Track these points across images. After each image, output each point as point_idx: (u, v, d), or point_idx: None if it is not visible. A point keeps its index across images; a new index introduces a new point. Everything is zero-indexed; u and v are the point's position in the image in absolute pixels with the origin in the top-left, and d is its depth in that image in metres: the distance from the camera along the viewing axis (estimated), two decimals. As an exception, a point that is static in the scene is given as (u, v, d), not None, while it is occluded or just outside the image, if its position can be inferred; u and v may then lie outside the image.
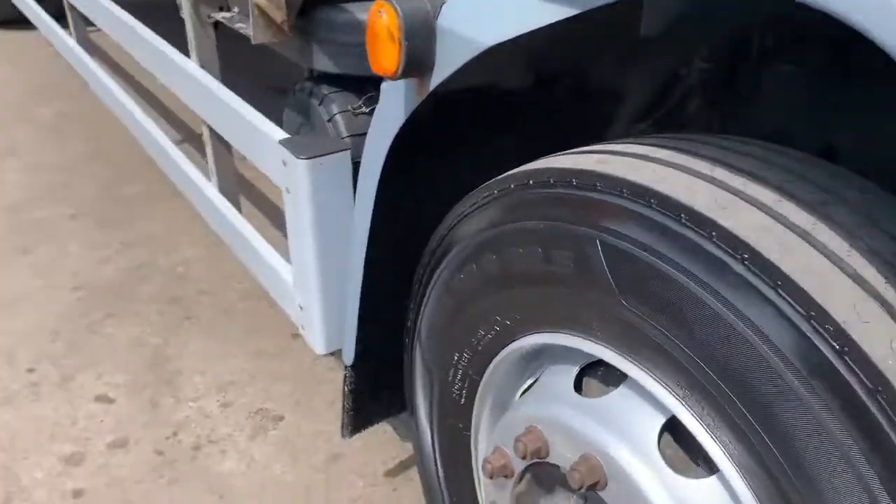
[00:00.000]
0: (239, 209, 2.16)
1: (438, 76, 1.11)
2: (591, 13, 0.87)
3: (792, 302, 0.72)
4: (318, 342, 1.68)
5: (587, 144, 1.08)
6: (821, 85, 1.25)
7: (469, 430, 1.33)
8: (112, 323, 2.56)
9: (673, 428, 0.91)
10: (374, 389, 1.68)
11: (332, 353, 1.69)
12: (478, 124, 1.32)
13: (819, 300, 0.71)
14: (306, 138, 1.59)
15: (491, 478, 1.17)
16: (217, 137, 1.99)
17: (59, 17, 3.76)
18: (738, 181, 0.84)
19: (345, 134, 1.60)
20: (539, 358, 1.19)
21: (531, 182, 1.06)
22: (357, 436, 1.69)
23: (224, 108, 1.77)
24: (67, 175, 3.55)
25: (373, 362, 1.63)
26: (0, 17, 5.25)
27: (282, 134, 1.57)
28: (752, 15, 1.26)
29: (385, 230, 1.43)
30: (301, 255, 1.62)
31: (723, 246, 0.77)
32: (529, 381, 1.22)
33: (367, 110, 1.59)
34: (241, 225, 2.02)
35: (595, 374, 1.06)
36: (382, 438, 2.10)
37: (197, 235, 3.00)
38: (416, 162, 1.33)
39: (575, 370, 1.08)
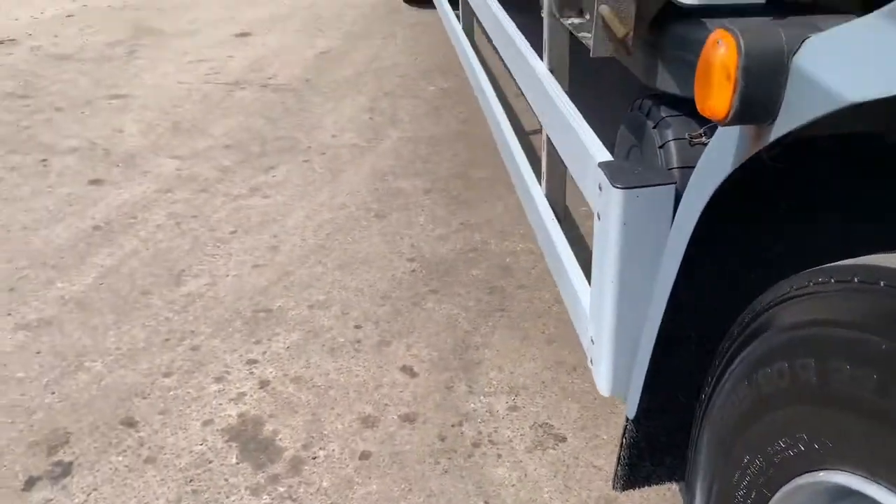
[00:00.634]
0: (560, 219, 2.10)
1: (783, 127, 0.89)
2: None
3: None
4: (602, 382, 1.55)
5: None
6: None
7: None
8: (434, 299, 2.70)
9: None
10: (654, 450, 1.50)
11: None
12: (825, 186, 1.07)
13: None
14: (629, 164, 1.45)
15: None
16: (552, 144, 1.94)
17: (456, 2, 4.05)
18: None
19: (675, 164, 1.42)
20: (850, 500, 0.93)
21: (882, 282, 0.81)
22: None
23: (559, 117, 1.70)
24: (433, 150, 3.83)
25: (657, 422, 1.46)
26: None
27: (604, 155, 1.45)
28: None
29: (693, 286, 1.25)
30: (601, 287, 1.50)
31: None
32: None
33: (706, 141, 1.40)
34: (555, 233, 1.96)
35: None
36: (666, 496, 1.90)
37: (530, 229, 3.01)
38: (742, 218, 1.12)
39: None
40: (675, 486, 1.90)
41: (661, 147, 1.43)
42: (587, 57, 1.74)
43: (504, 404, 2.22)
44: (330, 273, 2.85)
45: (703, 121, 1.47)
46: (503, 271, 2.87)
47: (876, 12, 0.80)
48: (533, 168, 2.34)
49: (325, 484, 1.97)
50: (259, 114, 4.26)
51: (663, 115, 1.45)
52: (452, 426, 2.16)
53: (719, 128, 1.00)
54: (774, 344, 0.98)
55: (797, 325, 0.93)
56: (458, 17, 3.91)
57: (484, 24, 2.83)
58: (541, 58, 2.00)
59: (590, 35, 1.45)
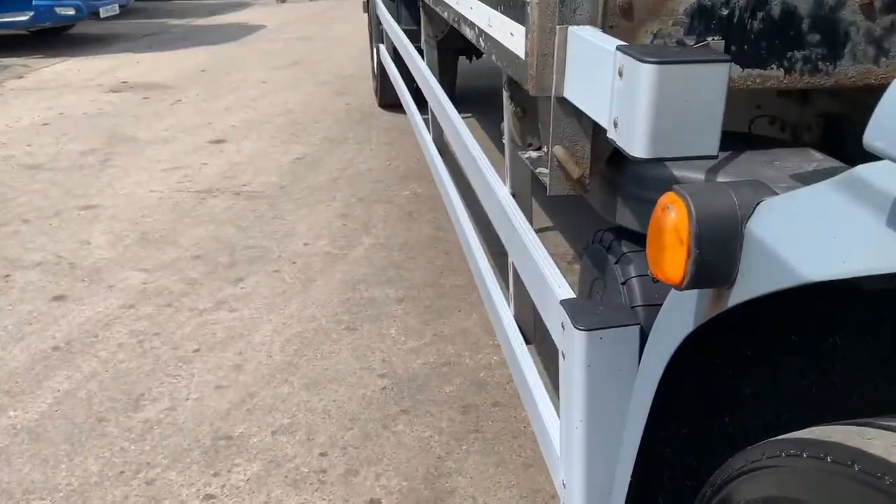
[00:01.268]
0: (530, 340, 2.03)
1: (742, 293, 0.84)
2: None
3: None
4: (575, 532, 1.45)
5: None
6: None
7: None
8: (405, 420, 2.59)
9: None
10: None
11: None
12: (788, 352, 1.02)
13: None
14: (591, 303, 1.40)
15: None
16: (516, 269, 1.89)
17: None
18: None
19: (639, 302, 1.37)
20: None
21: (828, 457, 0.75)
22: None
23: (521, 247, 1.66)
24: (406, 257, 3.79)
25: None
26: (390, 100, 5.95)
27: (566, 292, 1.40)
28: None
29: (663, 438, 1.18)
30: (569, 427, 1.42)
31: None
32: None
33: (670, 277, 1.35)
34: (523, 360, 1.89)
35: None
36: None
37: (502, 342, 2.94)
38: (706, 374, 1.06)
39: None
40: None
41: (623, 283, 1.39)
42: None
43: (477, 540, 2.10)
44: (296, 393, 2.74)
45: (666, 254, 1.43)
46: (477, 387, 2.77)
47: (829, 181, 0.76)
48: (502, 287, 2.29)
49: None
50: (230, 222, 4.22)
51: (624, 250, 1.41)
52: (422, 566, 2.02)
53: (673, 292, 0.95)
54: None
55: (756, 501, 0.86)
56: (426, 122, 3.95)
57: (449, 140, 2.83)
58: (503, 181, 1.97)
59: (546, 171, 1.42)
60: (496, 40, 1.72)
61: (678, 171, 1.34)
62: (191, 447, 2.46)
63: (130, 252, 3.88)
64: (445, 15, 2.60)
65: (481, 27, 1.90)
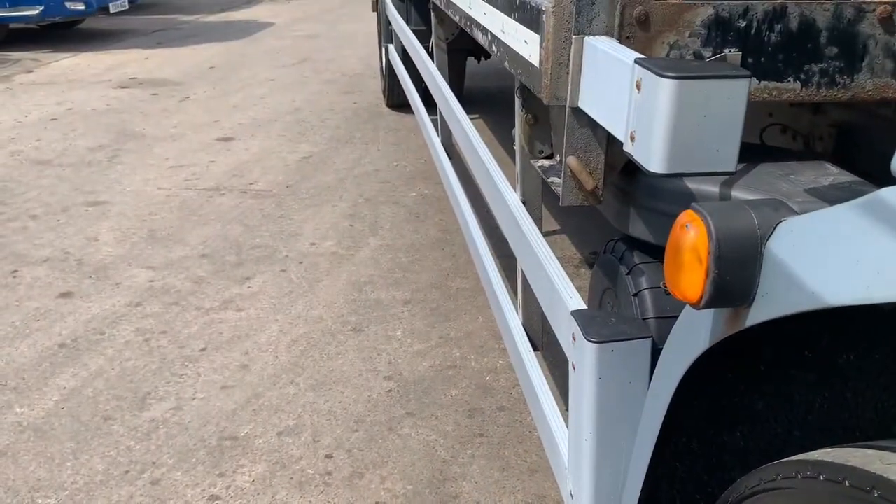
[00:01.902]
0: (538, 347, 2.03)
1: (761, 314, 0.84)
2: None
3: None
4: (583, 543, 1.44)
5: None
6: None
7: None
8: (410, 423, 2.59)
9: None
10: None
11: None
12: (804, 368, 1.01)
13: None
14: (603, 315, 1.39)
15: None
16: (525, 277, 1.89)
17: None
18: None
19: (650, 314, 1.37)
20: None
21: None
22: None
23: (532, 256, 1.65)
24: (413, 259, 3.78)
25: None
26: (398, 101, 5.95)
27: (577, 303, 1.39)
28: None
29: (674, 452, 1.17)
30: (578, 438, 1.41)
31: None
32: None
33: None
34: (530, 366, 1.88)
35: None
36: None
37: (509, 346, 2.94)
38: (718, 388, 1.06)
39: None
40: None
41: (635, 295, 1.38)
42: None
43: (482, 546, 2.09)
44: (302, 394, 2.74)
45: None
46: (483, 391, 2.77)
47: (851, 203, 0.75)
48: (510, 293, 2.28)
49: None
50: (238, 221, 4.22)
51: (636, 261, 1.40)
52: (427, 572, 2.02)
53: (688, 309, 0.95)
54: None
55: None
56: (434, 124, 3.94)
57: (458, 145, 2.83)
58: (514, 188, 1.97)
59: (559, 181, 1.42)
60: (509, 47, 1.71)
61: (693, 184, 1.33)
62: (196, 447, 2.46)
63: (138, 249, 3.88)
64: (457, 18, 2.59)
65: (494, 33, 1.89)
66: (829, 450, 0.87)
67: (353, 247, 3.92)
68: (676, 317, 1.07)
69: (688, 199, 1.32)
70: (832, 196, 1.27)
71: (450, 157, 3.58)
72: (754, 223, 0.81)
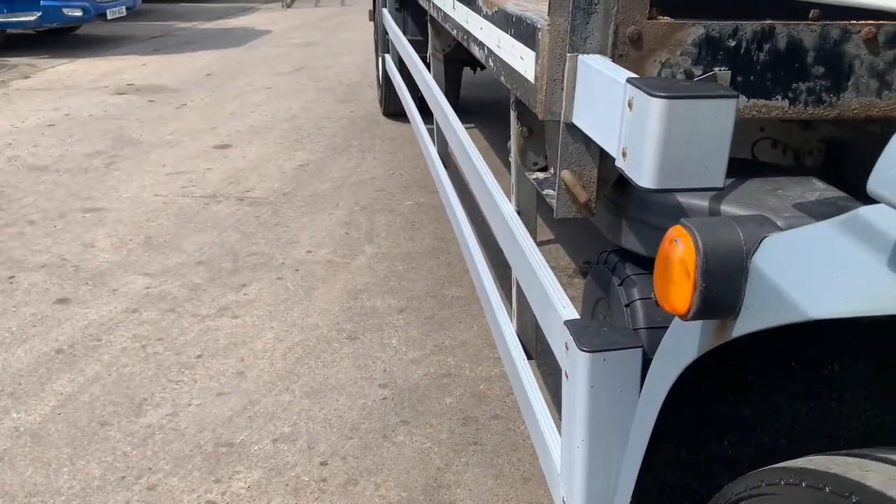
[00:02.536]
0: (531, 355, 2.06)
1: (746, 326, 0.87)
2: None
3: None
4: (575, 549, 1.47)
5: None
6: None
7: None
8: (404, 431, 2.61)
9: None
10: None
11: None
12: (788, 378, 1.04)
13: None
14: (595, 324, 1.42)
15: None
16: (520, 287, 1.92)
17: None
18: None
19: (641, 324, 1.40)
20: None
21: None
22: None
23: (526, 266, 1.69)
24: (409, 267, 3.81)
25: None
26: (395, 110, 5.99)
27: (571, 312, 1.43)
28: None
29: (663, 459, 1.20)
30: (571, 445, 1.44)
31: None
32: None
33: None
34: (524, 374, 1.91)
35: None
36: None
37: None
38: (707, 397, 1.09)
39: None
40: None
41: (626, 305, 1.41)
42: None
43: (475, 552, 2.12)
44: (297, 401, 2.76)
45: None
46: (477, 399, 2.80)
47: (832, 221, 0.79)
48: (505, 302, 2.31)
49: None
50: (234, 228, 4.25)
51: (628, 272, 1.44)
52: (420, 578, 2.04)
53: (677, 321, 0.98)
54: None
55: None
56: (431, 133, 3.98)
57: (455, 156, 2.86)
58: (509, 198, 2.00)
59: (554, 193, 1.45)
60: (505, 62, 1.75)
61: (683, 198, 1.37)
62: (192, 453, 2.48)
63: (134, 256, 3.90)
64: (454, 32, 2.63)
65: (490, 48, 1.93)
66: (811, 457, 0.90)
67: (349, 255, 3.95)
68: (667, 327, 1.11)
69: (678, 213, 1.36)
70: (818, 211, 1.31)
71: (445, 167, 3.62)
72: (740, 238, 0.85)
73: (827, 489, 0.82)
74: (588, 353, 1.30)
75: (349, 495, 2.31)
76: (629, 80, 1.11)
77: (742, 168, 1.52)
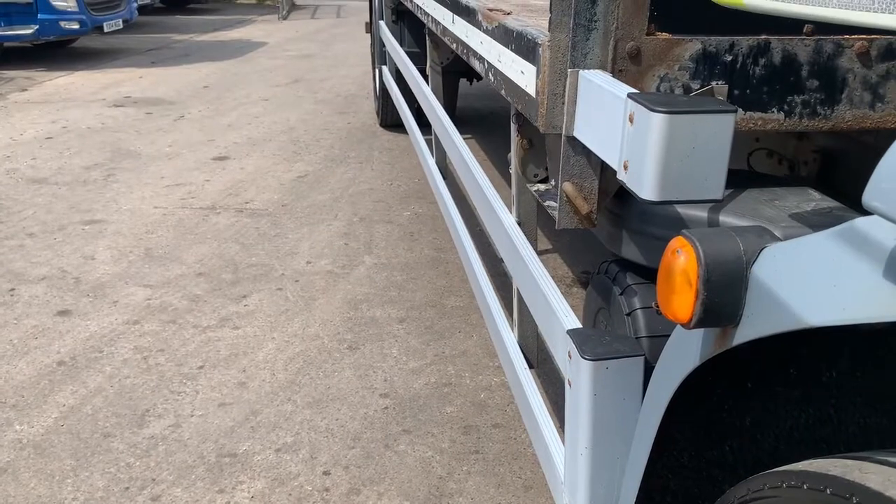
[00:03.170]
0: (532, 364, 2.08)
1: (747, 334, 0.90)
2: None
3: None
4: (579, 555, 1.49)
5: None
6: None
7: None
8: (406, 441, 2.63)
9: None
10: None
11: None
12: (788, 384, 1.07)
13: None
14: (598, 333, 1.45)
15: None
16: (521, 297, 1.94)
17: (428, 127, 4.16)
18: None
19: (643, 333, 1.43)
20: None
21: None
22: None
23: (528, 276, 1.71)
24: (408, 277, 3.84)
25: None
26: (392, 121, 6.03)
27: (573, 322, 1.45)
28: None
29: (666, 465, 1.23)
30: (574, 453, 1.46)
31: None
32: None
33: (674, 310, 1.40)
34: (527, 385, 1.93)
35: None
36: None
37: (503, 364, 2.99)
38: (708, 403, 1.12)
39: None
40: None
41: (628, 314, 1.44)
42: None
43: (478, 560, 2.13)
44: (299, 411, 2.78)
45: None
46: (478, 408, 2.82)
47: (829, 232, 0.82)
48: (505, 311, 2.34)
49: None
50: (233, 240, 4.27)
51: (629, 282, 1.47)
52: (424, 586, 2.06)
53: (679, 330, 1.01)
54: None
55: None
56: (429, 144, 4.01)
57: (454, 168, 2.89)
58: (509, 209, 2.03)
59: (555, 205, 1.48)
60: (506, 76, 1.78)
61: (682, 209, 1.40)
62: (195, 464, 2.50)
63: (134, 268, 3.92)
64: (453, 46, 2.67)
65: (491, 62, 1.96)
66: (812, 461, 0.93)
67: (349, 265, 3.97)
68: (668, 335, 1.13)
69: (677, 224, 1.39)
70: (814, 221, 1.34)
71: (444, 178, 3.65)
72: (740, 249, 0.88)
73: (828, 491, 0.85)
74: (591, 362, 1.33)
75: (352, 505, 2.33)
76: (630, 96, 1.14)
77: (739, 179, 1.55)
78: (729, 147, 1.07)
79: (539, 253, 2.02)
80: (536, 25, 1.67)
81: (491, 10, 2.03)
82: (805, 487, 0.89)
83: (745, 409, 1.24)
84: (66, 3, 8.76)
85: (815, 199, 1.45)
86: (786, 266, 0.85)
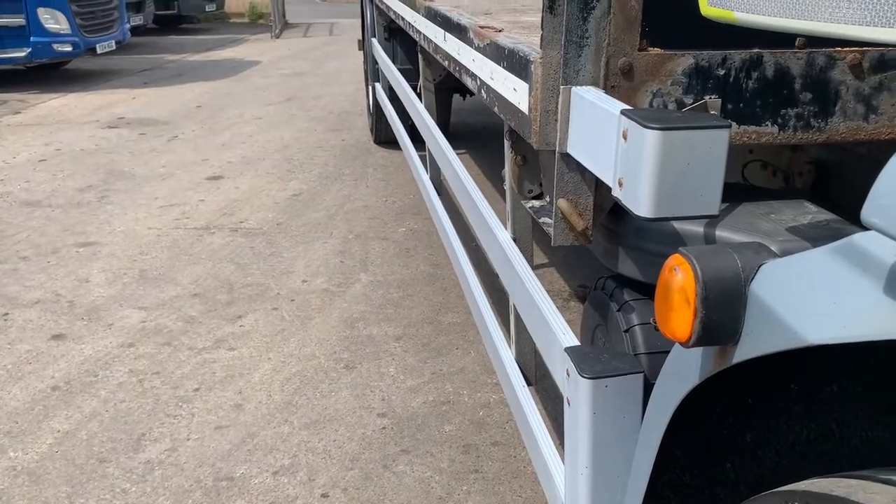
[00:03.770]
0: (530, 381, 2.07)
1: (747, 352, 0.89)
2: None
3: None
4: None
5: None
6: None
7: None
8: (405, 461, 2.61)
9: None
10: None
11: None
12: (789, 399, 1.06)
13: None
14: (596, 351, 1.43)
15: None
16: (518, 314, 1.93)
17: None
18: None
19: (641, 350, 1.41)
20: None
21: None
22: None
23: (524, 293, 1.70)
24: (404, 294, 3.82)
25: None
26: (386, 138, 6.04)
27: (571, 339, 1.44)
28: None
29: (667, 484, 1.21)
30: (574, 472, 1.45)
31: None
32: None
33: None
34: (524, 401, 1.92)
35: None
36: None
37: (501, 380, 2.97)
38: (709, 420, 1.10)
39: None
40: None
41: (626, 331, 1.43)
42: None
43: (480, 582, 2.10)
44: (296, 433, 2.75)
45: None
46: (477, 427, 2.80)
47: (828, 248, 0.81)
48: (502, 328, 2.32)
49: None
50: (228, 259, 4.25)
51: (627, 298, 1.46)
52: None
53: (677, 348, 1.00)
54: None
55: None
56: (423, 160, 4.01)
57: (449, 185, 2.89)
58: (504, 225, 2.02)
59: (551, 222, 1.47)
60: (499, 93, 1.78)
61: (678, 225, 1.39)
62: (192, 488, 2.47)
63: (129, 290, 3.89)
64: (445, 63, 2.67)
65: (483, 79, 1.96)
66: (815, 480, 0.91)
67: (344, 283, 3.96)
68: (667, 352, 1.12)
69: (673, 240, 1.38)
70: (811, 234, 1.34)
71: (439, 194, 3.64)
72: (738, 266, 0.87)
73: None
74: (590, 380, 1.31)
75: (351, 527, 2.30)
76: (623, 112, 1.13)
77: (734, 192, 1.55)
78: (724, 162, 1.06)
79: (535, 267, 2.01)
80: (528, 42, 1.66)
81: (482, 27, 2.04)
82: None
83: (746, 425, 1.23)
84: (58, 26, 8.77)
85: (811, 212, 1.45)
86: (784, 283, 0.84)
